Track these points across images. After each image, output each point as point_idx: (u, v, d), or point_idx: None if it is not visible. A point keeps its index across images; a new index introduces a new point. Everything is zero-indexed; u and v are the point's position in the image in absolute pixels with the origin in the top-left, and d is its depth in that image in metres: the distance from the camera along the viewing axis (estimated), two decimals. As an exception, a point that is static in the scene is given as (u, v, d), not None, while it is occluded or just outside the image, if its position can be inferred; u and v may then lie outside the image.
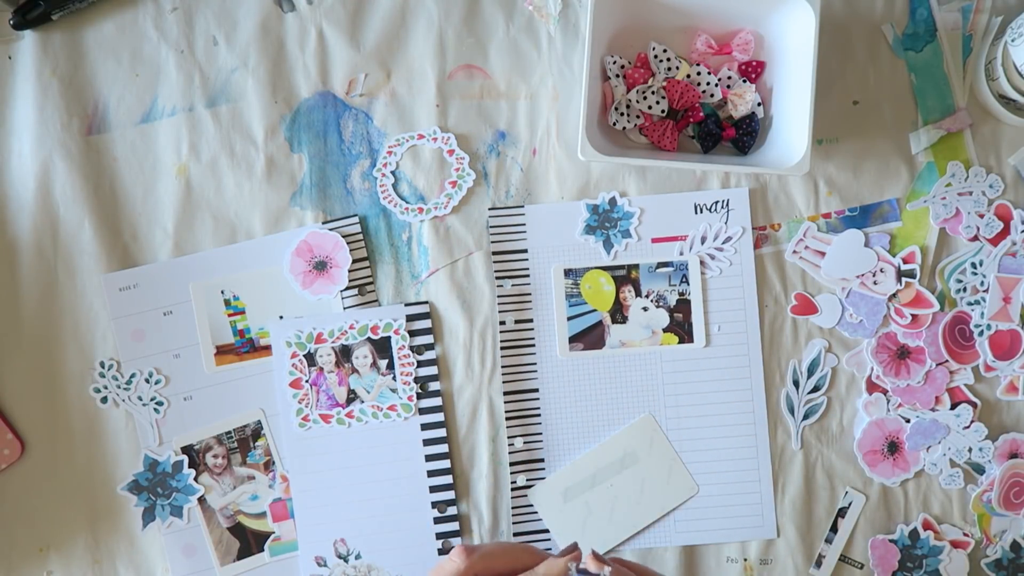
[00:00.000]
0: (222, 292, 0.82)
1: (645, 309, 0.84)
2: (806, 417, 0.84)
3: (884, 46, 0.84)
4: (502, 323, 0.83)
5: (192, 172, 0.83)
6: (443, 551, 0.82)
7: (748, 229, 0.83)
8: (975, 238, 0.84)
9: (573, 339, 0.84)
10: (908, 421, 0.84)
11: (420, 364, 0.83)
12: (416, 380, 0.82)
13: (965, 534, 0.84)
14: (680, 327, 0.84)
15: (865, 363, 0.84)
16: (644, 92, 0.82)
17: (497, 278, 0.83)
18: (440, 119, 0.84)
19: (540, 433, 0.83)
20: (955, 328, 0.84)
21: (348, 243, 0.82)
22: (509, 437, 0.83)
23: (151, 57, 0.83)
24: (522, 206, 0.84)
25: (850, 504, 0.84)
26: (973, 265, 0.84)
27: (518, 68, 0.84)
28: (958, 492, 0.85)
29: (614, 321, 0.84)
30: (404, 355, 0.82)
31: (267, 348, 0.83)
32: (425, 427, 0.83)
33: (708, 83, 0.82)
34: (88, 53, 0.83)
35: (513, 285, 0.83)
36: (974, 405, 0.84)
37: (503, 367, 0.83)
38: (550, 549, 0.83)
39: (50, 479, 0.82)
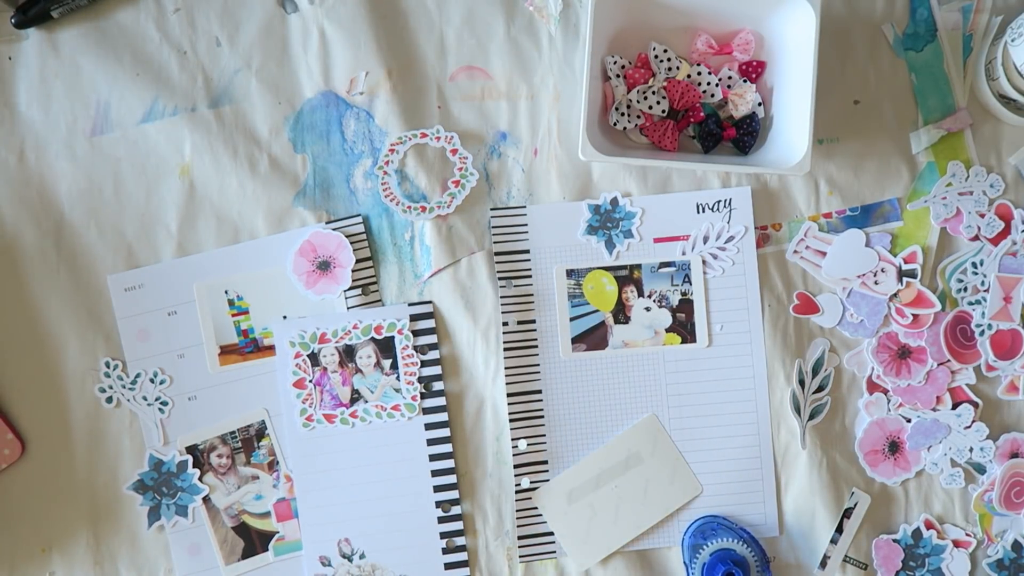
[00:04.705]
0: (226, 292, 0.82)
1: (648, 309, 0.84)
2: (811, 417, 0.84)
3: (884, 46, 0.85)
4: (505, 324, 0.83)
5: (195, 172, 0.83)
6: (447, 550, 0.82)
7: (750, 228, 0.83)
8: (976, 238, 0.84)
9: (576, 340, 0.84)
10: (909, 421, 0.84)
11: (424, 364, 0.83)
12: (420, 380, 0.82)
13: (967, 534, 0.84)
14: (683, 327, 0.84)
15: (866, 363, 0.84)
16: (645, 92, 0.82)
17: (500, 279, 0.83)
18: (442, 120, 0.84)
19: (544, 435, 0.83)
20: (956, 328, 0.84)
21: (351, 243, 0.82)
22: (513, 439, 0.83)
23: (153, 57, 0.83)
24: (524, 206, 0.84)
25: (856, 504, 0.84)
26: (974, 265, 0.84)
27: (519, 69, 0.84)
28: (959, 492, 0.85)
29: (617, 321, 0.84)
30: (408, 355, 0.82)
31: (271, 348, 0.83)
32: (429, 427, 0.83)
33: (708, 83, 0.83)
34: (90, 54, 0.83)
35: (515, 286, 0.83)
36: (975, 405, 0.84)
37: (506, 368, 0.83)
38: (555, 552, 0.83)
39: (52, 479, 0.82)
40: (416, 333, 0.83)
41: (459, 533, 0.83)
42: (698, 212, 0.83)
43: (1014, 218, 0.84)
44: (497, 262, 0.83)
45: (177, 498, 0.82)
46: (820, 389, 0.84)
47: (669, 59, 0.83)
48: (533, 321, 0.83)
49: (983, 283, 0.84)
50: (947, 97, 0.84)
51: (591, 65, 0.77)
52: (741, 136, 0.82)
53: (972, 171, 0.84)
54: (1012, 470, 0.84)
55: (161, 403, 0.82)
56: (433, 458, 0.83)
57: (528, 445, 0.83)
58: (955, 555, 0.84)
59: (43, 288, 0.82)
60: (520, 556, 0.83)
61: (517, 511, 0.83)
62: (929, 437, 0.84)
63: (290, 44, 0.83)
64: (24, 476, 0.82)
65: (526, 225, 0.84)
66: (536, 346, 0.83)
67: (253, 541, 0.83)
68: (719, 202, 0.83)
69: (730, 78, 0.83)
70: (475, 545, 0.83)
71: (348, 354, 0.82)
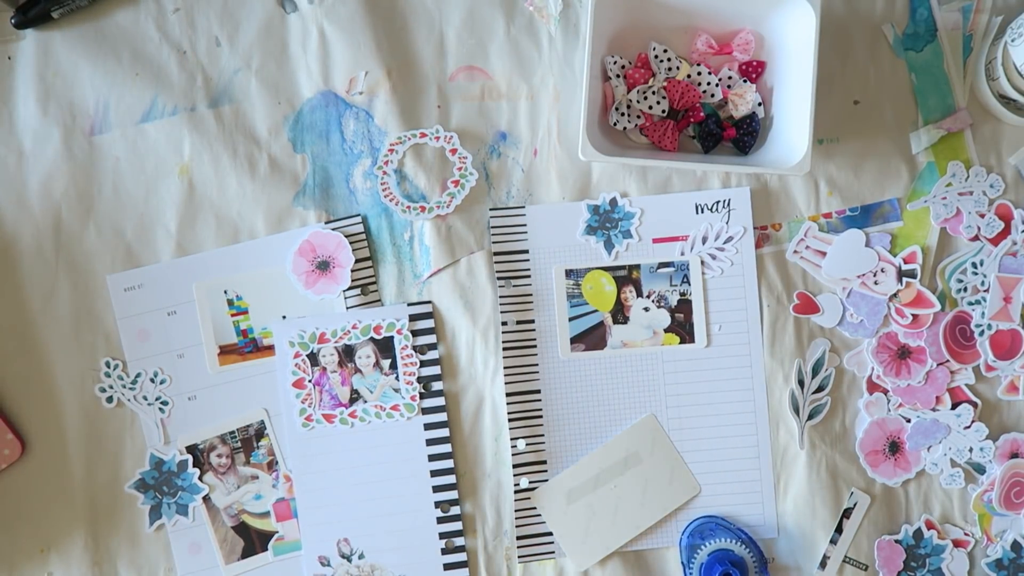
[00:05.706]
0: (225, 292, 0.82)
1: (646, 309, 0.84)
2: (811, 417, 0.84)
3: (884, 46, 0.85)
4: (504, 324, 0.83)
5: (195, 172, 0.83)
6: (446, 550, 0.83)
7: (749, 228, 0.83)
8: (976, 238, 0.84)
9: (575, 340, 0.84)
10: (909, 421, 0.84)
11: (423, 364, 0.83)
12: (419, 380, 0.82)
13: (966, 534, 0.84)
14: (681, 327, 0.84)
15: (866, 363, 0.84)
16: (644, 92, 0.82)
17: (499, 279, 0.83)
18: (441, 120, 0.84)
19: (543, 435, 0.83)
20: (956, 328, 0.84)
21: (351, 243, 0.82)
22: (512, 439, 0.83)
23: (153, 57, 0.83)
24: (523, 207, 0.84)
25: (855, 505, 0.84)
26: (974, 265, 0.84)
27: (519, 69, 0.84)
28: (959, 492, 0.85)
29: (615, 322, 0.84)
30: (407, 355, 0.82)
31: (270, 348, 0.83)
32: (428, 427, 0.83)
33: (708, 83, 0.83)
34: (89, 54, 0.83)
35: (514, 286, 0.83)
36: (975, 405, 0.84)
37: (505, 368, 0.83)
38: (553, 553, 0.83)
39: (52, 479, 0.82)
40: (415, 333, 0.83)
41: (458, 533, 0.83)
42: (697, 212, 0.83)
43: (1014, 218, 0.84)
44: (496, 262, 0.83)
45: (178, 497, 0.82)
46: (820, 389, 0.84)
47: (669, 59, 0.83)
48: (532, 321, 0.84)
49: (983, 283, 0.84)
50: (947, 97, 0.84)
51: (591, 65, 0.77)
52: (741, 136, 0.82)
53: (972, 171, 0.84)
54: (1012, 470, 0.84)
55: (161, 403, 0.82)
56: (432, 458, 0.83)
57: (527, 445, 0.83)
58: (955, 555, 0.84)
59: (42, 288, 0.82)
60: (519, 556, 0.83)
61: (516, 511, 0.83)
62: (929, 437, 0.84)
63: (290, 44, 0.83)
64: (24, 476, 0.82)
65: (525, 225, 0.84)
66: (535, 346, 0.83)
67: (253, 541, 0.83)
68: (718, 203, 0.83)
69: (730, 78, 0.83)
70: (474, 545, 0.83)
71: (347, 354, 0.82)
